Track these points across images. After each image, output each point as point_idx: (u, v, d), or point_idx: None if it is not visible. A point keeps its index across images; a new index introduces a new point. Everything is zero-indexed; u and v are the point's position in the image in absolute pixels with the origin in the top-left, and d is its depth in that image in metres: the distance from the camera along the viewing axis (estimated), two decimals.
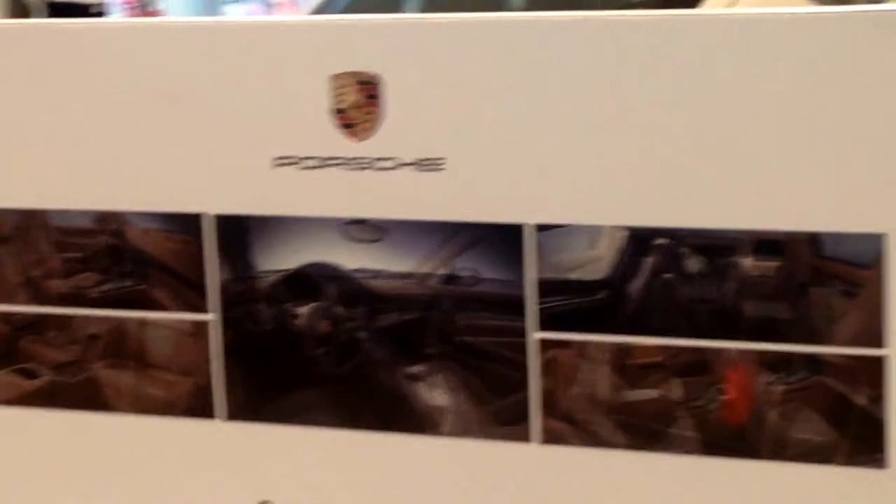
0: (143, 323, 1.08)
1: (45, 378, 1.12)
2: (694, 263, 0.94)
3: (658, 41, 0.93)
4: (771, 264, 0.92)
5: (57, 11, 6.81)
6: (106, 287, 1.09)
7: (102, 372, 1.10)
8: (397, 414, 1.03)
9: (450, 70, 0.97)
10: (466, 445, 1.02)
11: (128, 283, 1.08)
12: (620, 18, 0.94)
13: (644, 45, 0.93)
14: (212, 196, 1.04)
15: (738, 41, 0.91)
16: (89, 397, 1.11)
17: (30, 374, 1.12)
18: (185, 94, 1.02)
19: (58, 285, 1.10)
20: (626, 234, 0.95)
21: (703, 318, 0.94)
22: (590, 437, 0.99)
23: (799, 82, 0.90)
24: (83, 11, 6.85)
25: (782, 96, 0.91)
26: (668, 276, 0.95)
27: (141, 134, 1.04)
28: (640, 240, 0.95)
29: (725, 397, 0.95)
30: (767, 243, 0.92)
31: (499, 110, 0.96)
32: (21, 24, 1.07)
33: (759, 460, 0.95)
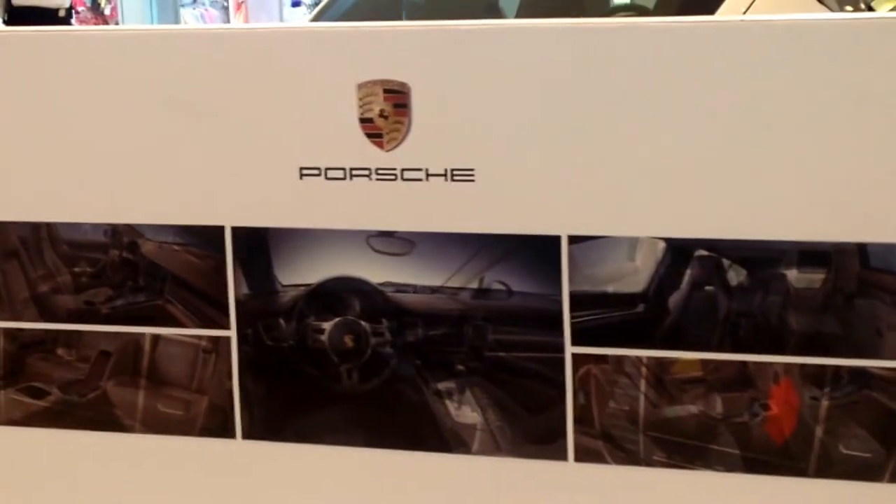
0: (157, 339, 1.05)
1: (53, 397, 1.08)
2: (736, 275, 0.91)
3: (699, 49, 0.90)
4: (816, 276, 0.90)
5: (18, 16, 6.74)
6: (118, 303, 1.05)
7: (113, 390, 1.06)
8: (424, 432, 1.00)
9: (481, 78, 0.94)
10: (497, 464, 0.99)
11: (141, 298, 1.05)
12: (658, 25, 0.91)
13: (684, 53, 0.90)
14: (233, 208, 1.00)
15: (783, 49, 0.89)
16: (99, 417, 1.07)
17: (37, 394, 1.09)
18: (204, 104, 0.99)
19: (67, 301, 1.06)
20: (664, 245, 0.92)
21: (745, 331, 0.92)
22: (626, 455, 0.96)
23: (847, 91, 0.88)
24: (51, 16, 6.78)
25: (828, 105, 0.88)
26: (709, 288, 0.92)
27: (158, 145, 1.01)
28: (679, 251, 0.92)
29: (769, 413, 0.92)
30: (813, 255, 0.90)
31: (531, 119, 0.94)
32: (34, 32, 1.04)
33: (803, 478, 0.92)
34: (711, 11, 2.09)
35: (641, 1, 3.25)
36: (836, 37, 0.88)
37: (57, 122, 1.02)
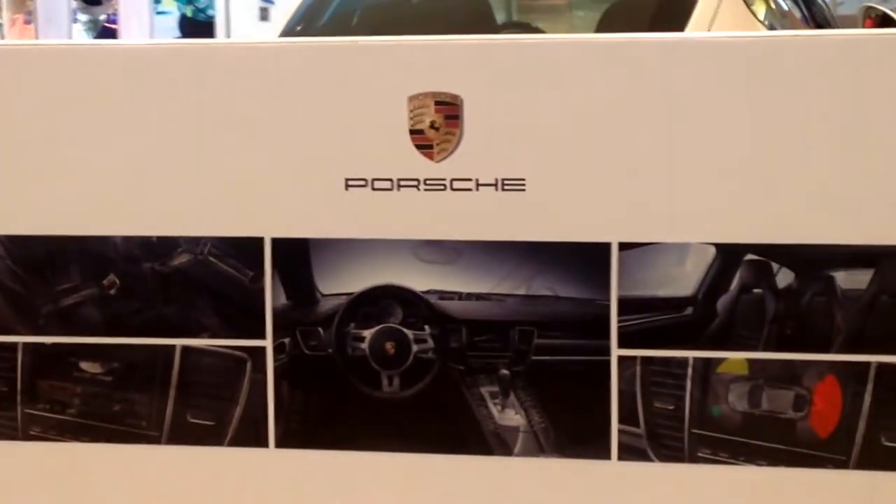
0: (188, 350, 1.04)
1: (75, 410, 1.07)
2: (785, 278, 0.96)
3: (747, 62, 0.94)
4: (863, 278, 0.95)
5: None
6: (148, 314, 1.04)
7: (140, 402, 1.06)
8: (465, 436, 1.02)
9: (532, 90, 0.96)
10: (539, 464, 1.01)
11: (172, 310, 1.04)
12: (711, 40, 0.95)
13: (733, 66, 0.94)
14: (274, 219, 1.01)
15: (830, 61, 0.93)
16: (123, 429, 1.06)
17: (58, 407, 1.07)
18: (251, 117, 0.99)
19: (93, 313, 1.05)
20: (714, 250, 0.96)
21: (792, 331, 0.96)
22: (671, 452, 0.99)
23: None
24: None
25: (875, 112, 0.93)
26: (757, 291, 0.96)
27: (199, 158, 1.01)
28: (729, 256, 0.96)
29: (813, 408, 0.97)
30: (860, 257, 0.94)
31: (582, 130, 0.96)
32: (71, 45, 1.02)
33: (845, 469, 0.97)
34: (681, 28, 2.14)
35: (524, 19, 3.31)
36: (884, 49, 0.93)
37: (93, 135, 1.01)
